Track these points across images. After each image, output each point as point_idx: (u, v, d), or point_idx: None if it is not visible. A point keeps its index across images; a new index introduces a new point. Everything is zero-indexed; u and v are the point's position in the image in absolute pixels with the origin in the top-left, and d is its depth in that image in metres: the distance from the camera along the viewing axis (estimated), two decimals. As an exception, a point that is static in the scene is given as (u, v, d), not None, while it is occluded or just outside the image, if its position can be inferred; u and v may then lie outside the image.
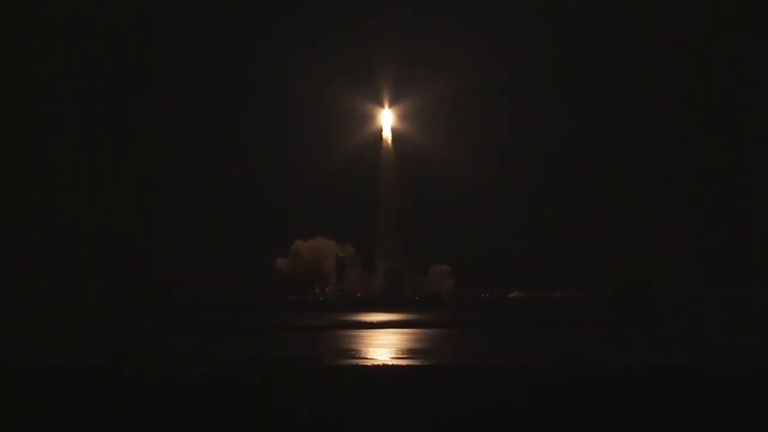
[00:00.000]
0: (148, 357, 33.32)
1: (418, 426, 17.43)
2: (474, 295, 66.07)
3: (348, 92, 69.21)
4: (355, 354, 30.96)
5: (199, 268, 63.84)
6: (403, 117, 70.84)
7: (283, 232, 68.35)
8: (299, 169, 70.10)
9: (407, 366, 27.26)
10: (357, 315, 55.96)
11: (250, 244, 68.08)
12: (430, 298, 63.77)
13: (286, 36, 74.85)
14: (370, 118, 70.63)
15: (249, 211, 71.36)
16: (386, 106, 70.64)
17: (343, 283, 68.65)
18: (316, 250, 68.34)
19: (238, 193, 73.57)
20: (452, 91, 68.20)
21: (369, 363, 27.97)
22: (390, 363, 27.92)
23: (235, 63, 75.41)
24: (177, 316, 48.82)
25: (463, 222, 70.06)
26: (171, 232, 70.41)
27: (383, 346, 34.49)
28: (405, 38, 68.13)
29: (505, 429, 17.40)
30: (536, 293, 64.63)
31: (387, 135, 71.28)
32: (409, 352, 31.32)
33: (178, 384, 24.39)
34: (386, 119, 70.96)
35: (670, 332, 42.79)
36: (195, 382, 24.67)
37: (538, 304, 60.16)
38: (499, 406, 19.86)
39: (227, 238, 69.34)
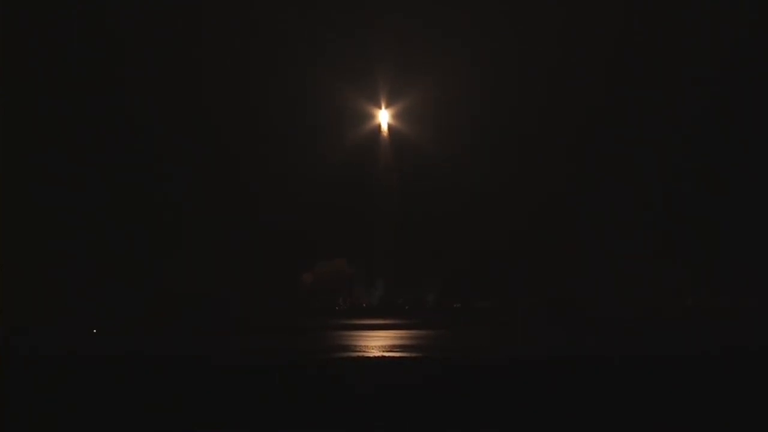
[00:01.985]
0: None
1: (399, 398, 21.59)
2: (449, 304, 74.29)
3: (350, 94, 73.85)
4: (356, 348, 38.04)
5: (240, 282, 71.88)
6: (398, 116, 75.53)
7: (307, 251, 75.43)
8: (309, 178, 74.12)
9: (396, 357, 33.00)
10: (360, 319, 66.75)
11: (279, 261, 74.47)
12: (416, 306, 74.48)
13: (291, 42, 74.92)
14: (369, 117, 75.38)
15: (272, 228, 74.67)
16: (383, 106, 75.30)
17: (352, 295, 79.18)
18: (333, 268, 77.27)
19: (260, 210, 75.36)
20: (443, 93, 72.31)
21: (367, 355, 34.25)
22: (383, 355, 34.08)
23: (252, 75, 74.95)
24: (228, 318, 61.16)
25: (450, 231, 73.65)
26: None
27: (377, 343, 42.46)
28: (401, 44, 71.67)
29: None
30: (502, 302, 71.01)
31: (384, 130, 76.12)
32: (396, 348, 38.27)
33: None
34: (383, 118, 75.73)
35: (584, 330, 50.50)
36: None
37: (499, 311, 68.30)
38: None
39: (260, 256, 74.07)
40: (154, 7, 72.21)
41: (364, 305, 77.26)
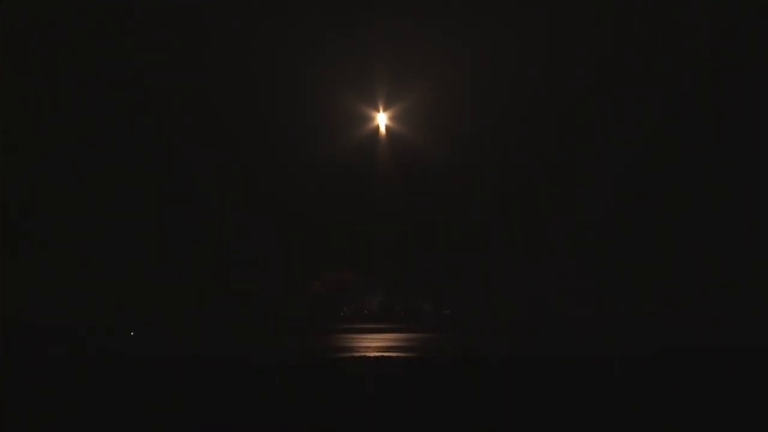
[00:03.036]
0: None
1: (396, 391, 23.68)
2: (440, 310, 77.77)
3: (348, 95, 74.38)
4: (356, 349, 41.53)
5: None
6: (396, 118, 76.34)
7: (312, 259, 76.98)
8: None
9: (392, 357, 36.17)
10: (362, 324, 70.11)
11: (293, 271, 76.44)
12: (411, 312, 78.52)
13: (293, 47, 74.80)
14: (368, 119, 76.46)
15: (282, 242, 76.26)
16: (381, 109, 76.38)
17: (355, 302, 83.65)
18: (339, 277, 79.99)
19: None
20: (442, 94, 73.17)
21: (367, 354, 37.54)
22: (379, 354, 37.45)
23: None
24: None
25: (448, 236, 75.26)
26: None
27: (375, 344, 46.08)
28: (400, 44, 72.19)
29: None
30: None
31: (383, 132, 77.29)
32: (392, 348, 41.66)
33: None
34: (381, 120, 76.77)
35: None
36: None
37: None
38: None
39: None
40: (154, 7, 72.05)
41: (366, 312, 79.67)
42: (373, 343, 46.10)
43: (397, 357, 36.37)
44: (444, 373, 28.90)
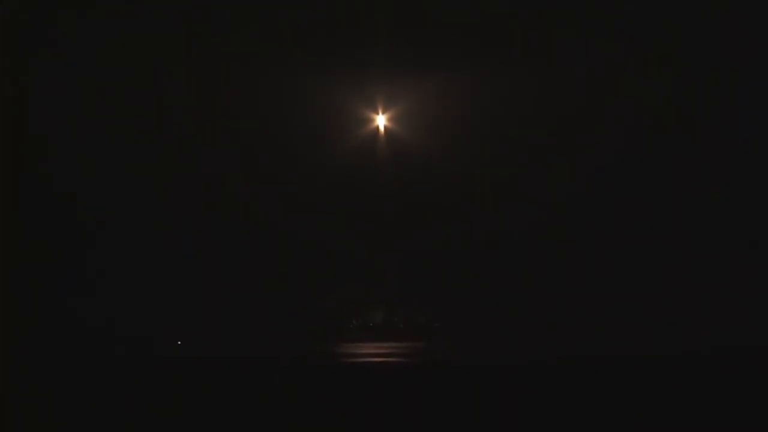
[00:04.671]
0: None
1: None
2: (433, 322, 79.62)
3: (347, 97, 77.96)
4: (357, 354, 46.46)
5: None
6: (394, 119, 74.90)
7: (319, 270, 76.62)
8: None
9: (390, 362, 40.28)
10: (366, 334, 74.05)
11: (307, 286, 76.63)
12: (408, 324, 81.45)
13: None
14: (368, 121, 75.27)
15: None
16: (380, 112, 75.28)
17: (363, 316, 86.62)
18: (348, 291, 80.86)
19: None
20: (442, 96, 70.96)
21: (369, 360, 41.71)
22: (380, 360, 41.67)
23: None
24: None
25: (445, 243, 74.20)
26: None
27: (374, 351, 51.18)
28: (399, 46, 70.24)
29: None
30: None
31: (382, 133, 76.04)
32: (389, 355, 45.89)
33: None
34: (381, 122, 75.40)
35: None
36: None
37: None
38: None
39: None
40: (154, 7, 68.16)
41: (371, 324, 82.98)
42: (376, 350, 52.37)
43: (395, 361, 40.25)
44: (438, 376, 31.02)
